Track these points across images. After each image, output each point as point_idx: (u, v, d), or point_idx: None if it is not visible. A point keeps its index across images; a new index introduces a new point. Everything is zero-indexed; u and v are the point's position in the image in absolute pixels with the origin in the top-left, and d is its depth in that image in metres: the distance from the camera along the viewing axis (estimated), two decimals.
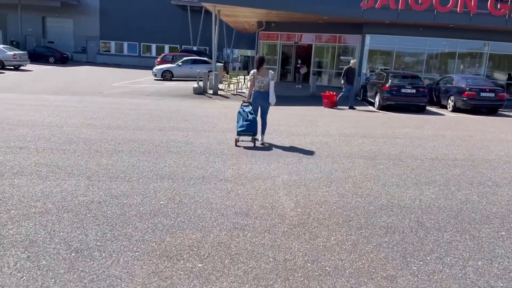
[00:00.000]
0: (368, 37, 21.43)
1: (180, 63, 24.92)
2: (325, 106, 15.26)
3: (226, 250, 3.38)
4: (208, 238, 3.59)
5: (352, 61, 16.03)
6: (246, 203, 4.54)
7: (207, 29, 33.44)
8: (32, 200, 4.23)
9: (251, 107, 7.78)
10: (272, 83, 7.71)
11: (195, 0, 34.44)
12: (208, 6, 17.85)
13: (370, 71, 21.28)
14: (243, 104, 7.88)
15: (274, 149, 7.50)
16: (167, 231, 3.69)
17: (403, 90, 14.81)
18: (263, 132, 7.96)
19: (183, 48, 37.43)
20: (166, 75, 24.39)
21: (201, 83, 18.00)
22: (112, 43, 40.02)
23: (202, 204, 4.44)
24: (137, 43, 39.78)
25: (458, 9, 18.77)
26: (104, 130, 8.48)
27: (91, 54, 39.88)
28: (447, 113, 15.22)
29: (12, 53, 24.55)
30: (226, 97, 17.14)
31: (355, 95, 19.71)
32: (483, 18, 18.82)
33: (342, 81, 15.56)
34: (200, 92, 17.62)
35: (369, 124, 11.46)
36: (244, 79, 20.98)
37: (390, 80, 15.08)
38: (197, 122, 10.20)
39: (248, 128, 7.52)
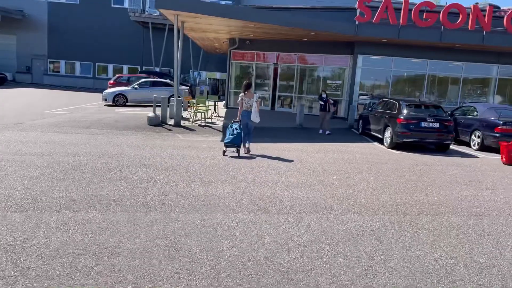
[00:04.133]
0: (360, 58, 18.19)
1: (136, 86, 20.74)
2: (505, 163, 10.12)
3: None
4: None
5: None
6: None
7: (171, 49, 29.44)
8: None
9: (237, 124, 9.13)
10: (255, 105, 9.15)
11: (156, 13, 30.70)
12: (169, 15, 14.01)
13: (375, 98, 17.80)
14: (233, 121, 9.32)
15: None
16: None
17: (423, 124, 11.33)
18: (250, 142, 9.48)
19: (144, 69, 33.26)
20: (119, 100, 20.13)
21: (158, 112, 13.94)
22: (62, 62, 35.20)
23: None
24: (91, 63, 35.19)
25: (469, 26, 15.89)
26: None
27: (37, 75, 34.88)
28: (478, 154, 11.81)
29: None
30: (191, 129, 13.15)
31: (349, 127, 16.30)
32: (498, 37, 16.01)
33: None
34: (157, 123, 13.52)
35: (403, 177, 7.75)
36: (215, 106, 17.08)
37: (405, 111, 11.61)
38: (141, 183, 6.13)
39: (233, 140, 8.85)
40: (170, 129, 12.92)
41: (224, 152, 8.94)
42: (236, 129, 8.96)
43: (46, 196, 5.19)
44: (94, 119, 14.28)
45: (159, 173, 6.91)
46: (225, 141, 8.96)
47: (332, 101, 14.55)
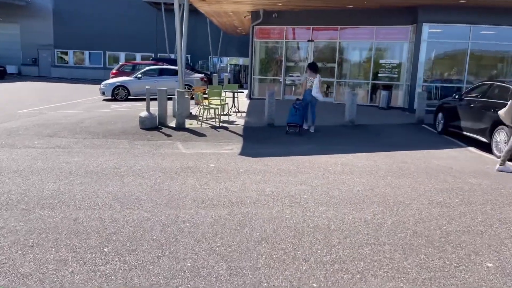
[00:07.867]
0: (426, 28, 13.65)
1: (139, 75, 16.98)
2: None
3: None
4: None
5: None
6: None
7: (187, 32, 25.67)
8: None
9: (299, 104, 9.40)
10: (316, 80, 9.48)
11: None
12: None
13: (435, 81, 12.56)
14: (296, 100, 9.66)
15: None
16: None
17: None
18: (313, 123, 9.79)
19: (158, 56, 29.53)
20: (120, 93, 16.52)
21: (154, 110, 10.06)
22: (70, 52, 31.96)
23: None
24: (102, 52, 31.78)
25: None
26: None
27: (45, 67, 31.78)
28: None
29: None
30: (200, 134, 9.20)
31: (418, 122, 11.93)
32: None
33: None
34: (152, 126, 9.65)
35: None
36: (233, 97, 13.04)
37: None
38: None
39: (294, 120, 9.29)
40: (169, 135, 9.02)
41: (287, 131, 9.37)
42: (299, 109, 9.28)
43: None
44: (73, 121, 10.57)
45: (94, 272, 2.99)
46: (287, 120, 9.41)
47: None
